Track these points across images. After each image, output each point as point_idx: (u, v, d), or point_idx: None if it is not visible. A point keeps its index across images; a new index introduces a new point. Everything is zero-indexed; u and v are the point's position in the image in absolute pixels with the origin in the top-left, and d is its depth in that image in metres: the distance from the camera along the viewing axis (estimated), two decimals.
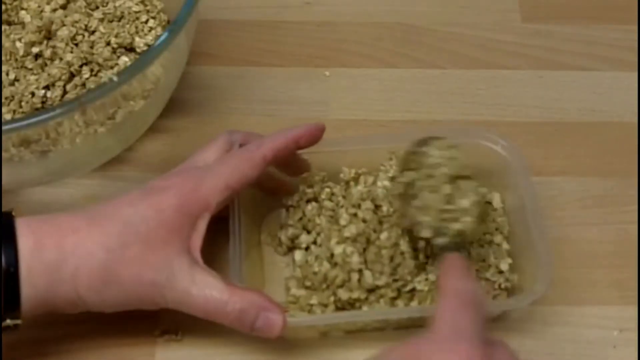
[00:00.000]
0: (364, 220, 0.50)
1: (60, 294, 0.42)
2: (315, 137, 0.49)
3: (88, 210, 0.45)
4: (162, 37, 0.48)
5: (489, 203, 0.53)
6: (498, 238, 0.51)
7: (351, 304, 0.48)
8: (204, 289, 0.43)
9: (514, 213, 0.52)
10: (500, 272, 0.50)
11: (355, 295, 0.47)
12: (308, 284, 0.48)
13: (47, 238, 0.42)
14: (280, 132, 0.48)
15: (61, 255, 0.42)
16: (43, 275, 0.42)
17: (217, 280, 0.44)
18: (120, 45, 0.55)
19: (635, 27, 0.66)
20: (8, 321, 0.41)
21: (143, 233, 0.43)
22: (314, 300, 0.47)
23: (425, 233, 0.45)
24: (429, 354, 0.38)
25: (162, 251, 0.43)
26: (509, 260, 0.50)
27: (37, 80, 0.53)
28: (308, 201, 0.52)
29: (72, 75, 0.53)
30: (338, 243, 0.49)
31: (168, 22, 0.58)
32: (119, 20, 0.57)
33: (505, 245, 0.51)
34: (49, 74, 0.53)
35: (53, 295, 0.42)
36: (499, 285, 0.49)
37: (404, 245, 0.49)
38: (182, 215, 0.44)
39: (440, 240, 0.45)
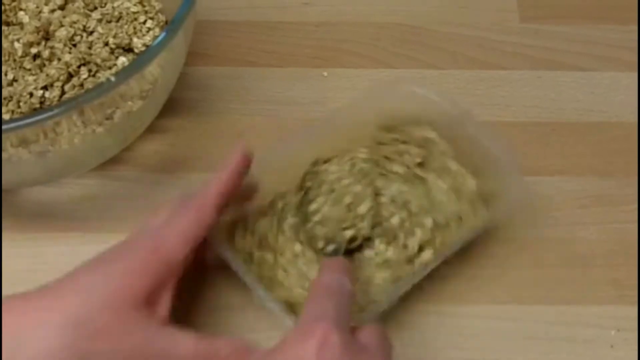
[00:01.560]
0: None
1: None
2: (247, 163, 0.46)
3: (43, 286, 0.41)
4: (160, 38, 0.48)
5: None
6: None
7: None
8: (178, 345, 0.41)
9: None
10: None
11: None
12: None
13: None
14: (219, 173, 0.45)
15: (15, 342, 0.38)
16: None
17: (190, 334, 0.42)
18: (118, 46, 0.55)
19: (633, 27, 0.67)
20: None
21: (109, 301, 0.40)
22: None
23: (320, 244, 0.50)
24: (288, 342, 0.39)
25: (133, 317, 0.40)
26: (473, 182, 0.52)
27: (35, 80, 0.53)
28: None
29: (70, 76, 0.53)
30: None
31: (166, 22, 0.58)
32: (117, 21, 0.57)
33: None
34: (47, 75, 0.53)
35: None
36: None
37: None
38: (147, 278, 0.41)
39: (330, 247, 0.50)
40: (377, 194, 0.52)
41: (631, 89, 0.63)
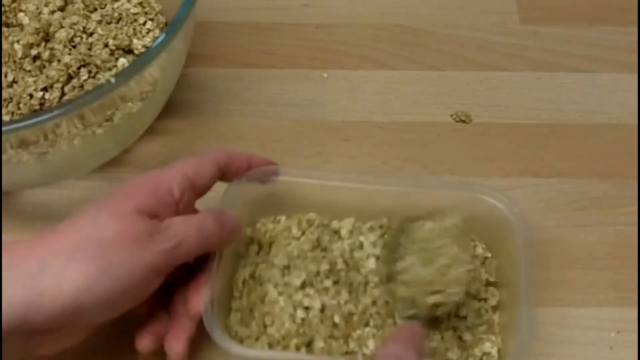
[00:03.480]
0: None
1: (45, 286, 0.38)
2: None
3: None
4: (160, 39, 0.48)
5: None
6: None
7: None
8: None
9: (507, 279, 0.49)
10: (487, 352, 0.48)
11: None
12: None
13: (16, 247, 0.39)
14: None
15: (36, 260, 0.38)
16: (19, 276, 0.38)
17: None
18: (118, 47, 0.55)
19: (633, 29, 0.67)
20: None
21: (114, 212, 0.42)
22: None
23: (399, 307, 0.46)
24: None
25: (137, 220, 0.41)
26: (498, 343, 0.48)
27: (35, 82, 0.53)
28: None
29: (70, 77, 0.53)
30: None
31: (166, 24, 0.58)
32: (117, 22, 0.57)
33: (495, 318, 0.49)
34: (47, 76, 0.53)
35: (37, 292, 0.38)
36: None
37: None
38: (146, 194, 0.43)
39: (409, 312, 0.46)
40: None
41: (631, 90, 0.63)
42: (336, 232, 0.52)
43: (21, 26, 0.56)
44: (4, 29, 0.56)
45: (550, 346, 0.50)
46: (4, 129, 0.44)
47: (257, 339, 0.47)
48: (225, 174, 0.48)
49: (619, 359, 0.49)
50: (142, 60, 0.47)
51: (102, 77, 0.54)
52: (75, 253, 0.39)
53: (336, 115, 0.61)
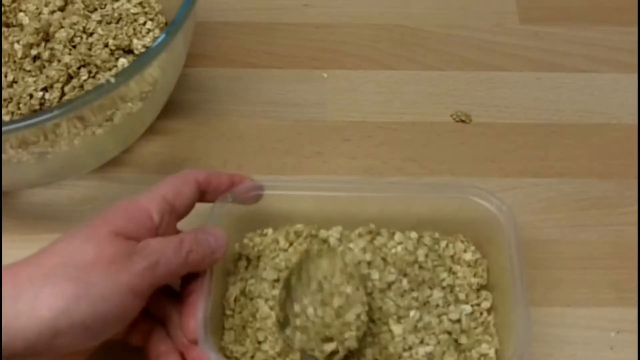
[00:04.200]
0: None
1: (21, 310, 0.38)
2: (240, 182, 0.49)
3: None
4: (160, 39, 0.48)
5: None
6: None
7: None
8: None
9: (499, 281, 0.49)
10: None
11: None
12: None
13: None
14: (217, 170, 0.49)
15: (13, 284, 0.38)
16: None
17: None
18: (118, 47, 0.55)
19: (633, 29, 0.67)
20: None
21: (90, 234, 0.41)
22: None
23: (294, 356, 0.45)
24: None
25: (115, 243, 0.41)
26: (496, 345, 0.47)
27: (35, 82, 0.53)
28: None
29: (70, 77, 0.53)
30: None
31: (166, 24, 0.58)
32: (117, 22, 0.57)
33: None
34: (47, 76, 0.53)
35: (13, 315, 0.37)
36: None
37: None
38: (123, 218, 0.43)
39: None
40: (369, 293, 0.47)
41: (631, 90, 0.63)
42: (325, 241, 0.51)
43: (21, 26, 0.56)
44: (4, 29, 0.56)
45: (550, 346, 0.50)
46: (4, 129, 0.44)
47: (252, 357, 0.46)
48: (205, 194, 0.47)
49: (619, 359, 0.49)
50: (142, 60, 0.47)
51: (102, 77, 0.54)
52: (51, 277, 0.39)
53: (336, 115, 0.61)
